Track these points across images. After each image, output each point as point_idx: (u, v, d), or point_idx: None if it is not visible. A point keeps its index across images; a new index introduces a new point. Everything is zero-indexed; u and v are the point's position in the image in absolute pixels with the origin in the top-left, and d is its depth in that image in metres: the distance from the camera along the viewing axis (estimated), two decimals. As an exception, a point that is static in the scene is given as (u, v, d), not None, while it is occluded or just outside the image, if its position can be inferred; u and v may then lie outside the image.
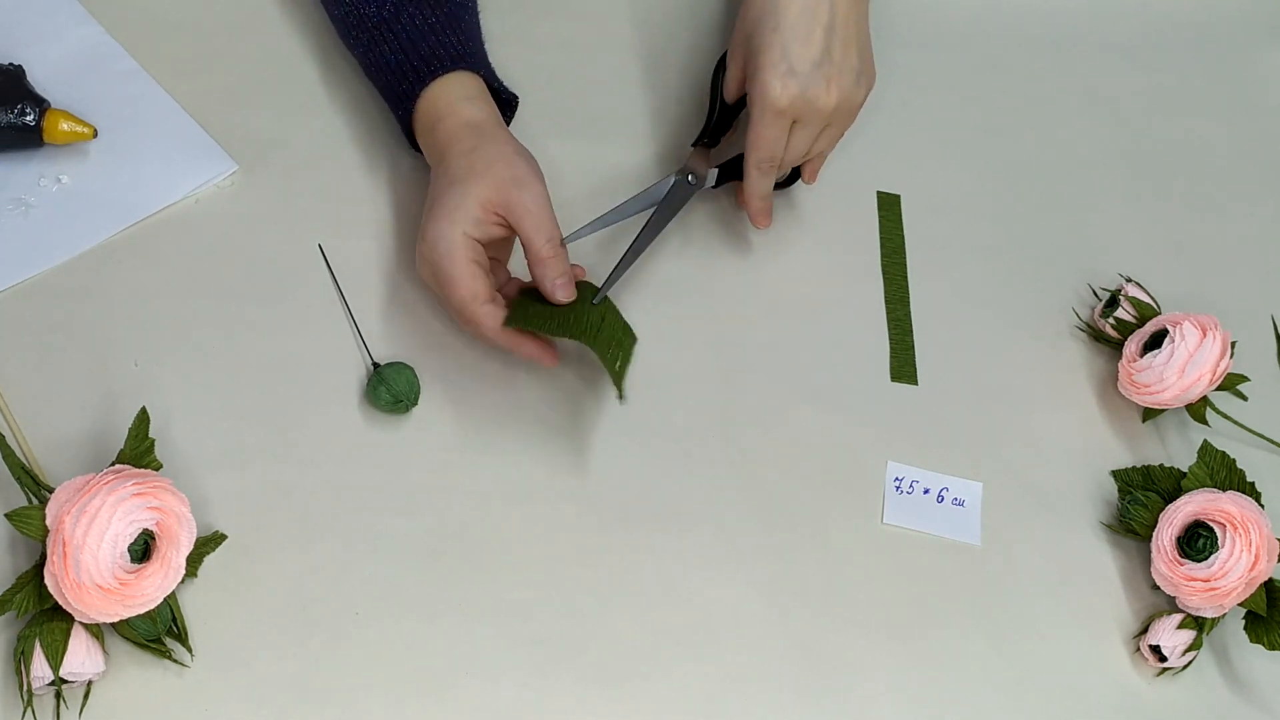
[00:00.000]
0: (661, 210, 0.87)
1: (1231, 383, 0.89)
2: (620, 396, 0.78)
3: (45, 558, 0.69)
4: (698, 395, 0.86)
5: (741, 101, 0.89)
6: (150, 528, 0.70)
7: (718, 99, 0.91)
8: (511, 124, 0.89)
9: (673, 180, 0.88)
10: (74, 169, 0.86)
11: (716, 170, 0.90)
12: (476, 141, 0.81)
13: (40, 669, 0.68)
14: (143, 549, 0.70)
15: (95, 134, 0.85)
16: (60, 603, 0.68)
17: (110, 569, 0.68)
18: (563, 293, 0.79)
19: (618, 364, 0.79)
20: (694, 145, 0.91)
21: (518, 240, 0.80)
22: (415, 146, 0.87)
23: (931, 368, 0.91)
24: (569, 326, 0.79)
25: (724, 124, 0.91)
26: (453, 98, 0.84)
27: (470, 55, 0.86)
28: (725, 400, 0.86)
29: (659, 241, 0.88)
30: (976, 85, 1.06)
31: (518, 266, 0.83)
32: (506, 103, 0.89)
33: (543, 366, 0.82)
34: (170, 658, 0.71)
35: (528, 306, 0.80)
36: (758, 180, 0.87)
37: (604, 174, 0.93)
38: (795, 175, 0.92)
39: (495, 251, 0.83)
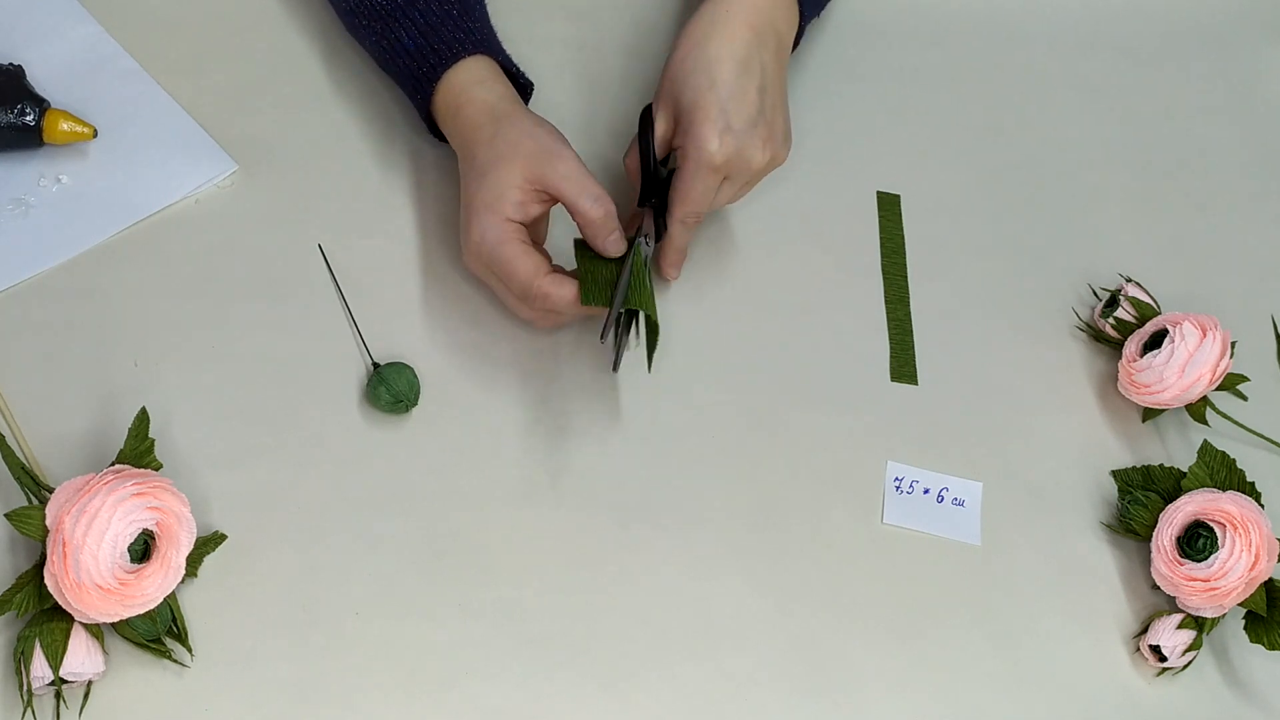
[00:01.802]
0: (635, 277, 0.82)
1: (1231, 383, 0.89)
2: (649, 367, 0.79)
3: (45, 558, 0.69)
4: (698, 395, 0.86)
5: (669, 156, 0.87)
6: (150, 528, 0.70)
7: (650, 156, 0.86)
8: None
9: (631, 248, 0.83)
10: (74, 169, 0.86)
11: (654, 227, 0.87)
12: (496, 127, 0.82)
13: (40, 669, 0.68)
14: (143, 549, 0.70)
15: (95, 134, 0.85)
16: (60, 603, 0.68)
17: (110, 569, 0.68)
18: (615, 247, 0.80)
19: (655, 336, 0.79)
20: (640, 206, 0.87)
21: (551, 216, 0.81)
22: (434, 133, 0.87)
23: (931, 368, 0.91)
24: (634, 297, 0.79)
25: (661, 180, 0.87)
26: (471, 81, 0.84)
27: (486, 41, 0.86)
28: (725, 400, 0.86)
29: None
30: (976, 85, 1.06)
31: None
32: (523, 89, 0.89)
33: (543, 365, 0.82)
34: (170, 658, 0.71)
35: (593, 277, 0.80)
36: (680, 234, 0.86)
37: (604, 174, 0.93)
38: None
39: (533, 231, 0.83)
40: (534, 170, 0.80)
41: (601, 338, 0.78)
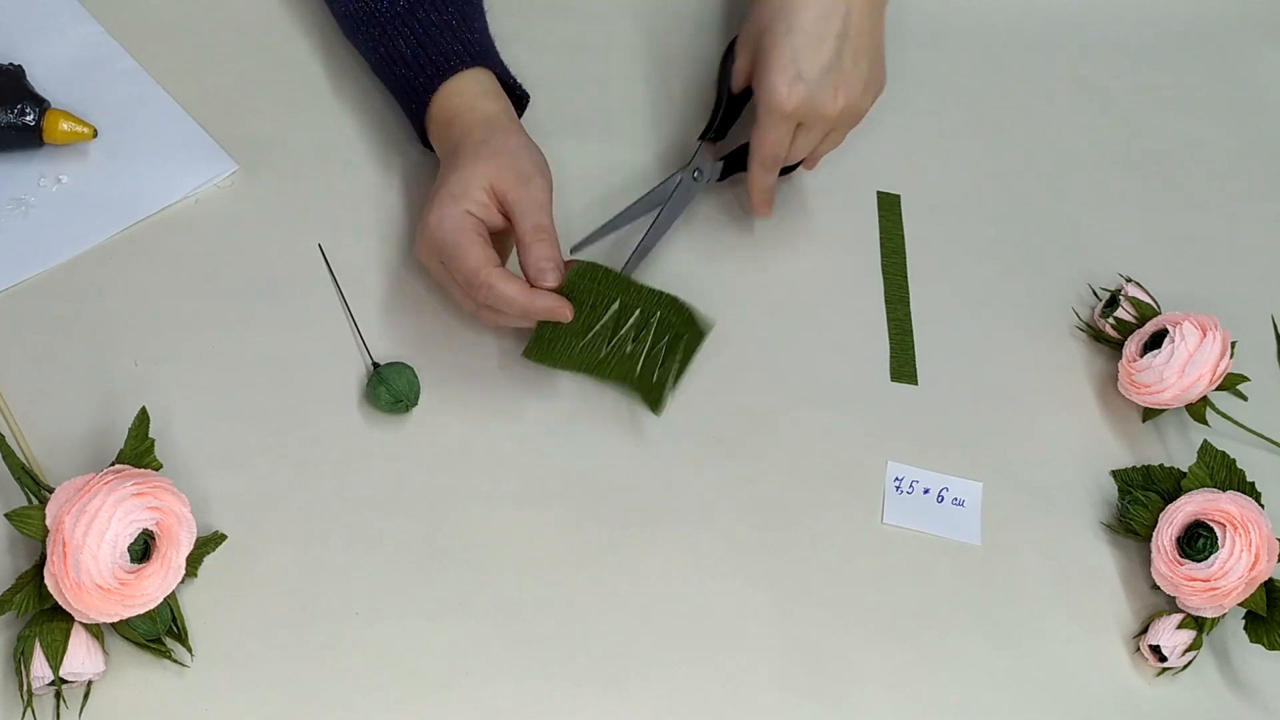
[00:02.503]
0: (669, 208, 0.87)
1: (1231, 383, 0.89)
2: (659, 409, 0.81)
3: (45, 558, 0.69)
4: (698, 395, 0.86)
5: (747, 93, 0.89)
6: (150, 528, 0.70)
7: (724, 92, 0.90)
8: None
9: (679, 178, 0.88)
10: (74, 169, 0.86)
11: (721, 163, 0.91)
12: (488, 134, 0.81)
13: (40, 669, 0.68)
14: (143, 549, 0.70)
15: (95, 134, 0.85)
16: (60, 603, 0.68)
17: (110, 569, 0.68)
18: (550, 277, 0.77)
19: (672, 374, 0.80)
20: (700, 139, 0.91)
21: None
22: (425, 143, 0.87)
23: (931, 368, 0.91)
24: (595, 366, 0.80)
25: (730, 117, 0.91)
26: (470, 93, 0.84)
27: (485, 52, 0.86)
28: (725, 400, 0.86)
29: (662, 241, 0.88)
30: (976, 85, 1.06)
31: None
32: (519, 100, 0.89)
33: (541, 365, 0.82)
34: (170, 658, 0.71)
35: (550, 341, 0.80)
36: (761, 177, 0.87)
37: (608, 173, 0.93)
38: (797, 163, 0.92)
39: (496, 244, 0.82)
40: (500, 183, 0.79)
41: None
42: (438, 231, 0.79)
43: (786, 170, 0.93)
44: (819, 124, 0.84)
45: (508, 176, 0.79)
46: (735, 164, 0.91)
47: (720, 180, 0.91)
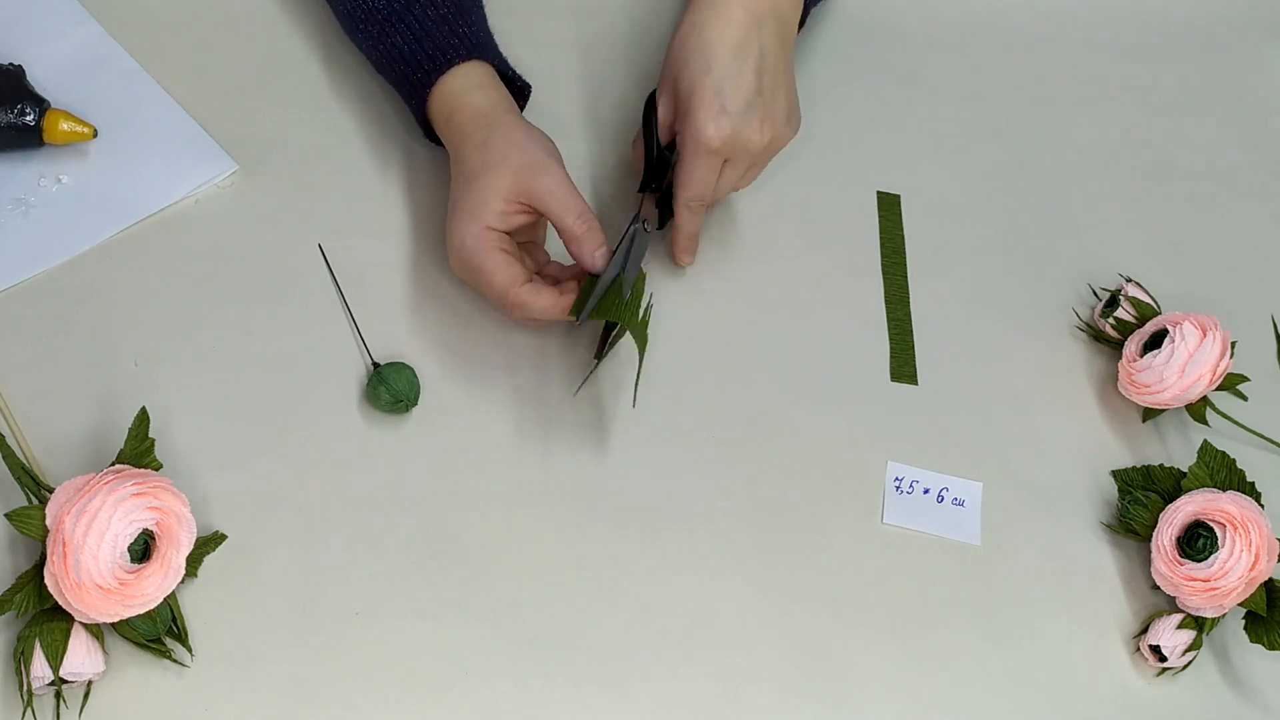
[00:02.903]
0: (630, 265, 0.83)
1: (1231, 383, 0.89)
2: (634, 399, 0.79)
3: (45, 558, 0.69)
4: (698, 395, 0.86)
5: (674, 143, 0.88)
6: (150, 528, 0.70)
7: (654, 144, 0.87)
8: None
9: (632, 231, 0.84)
10: (74, 169, 0.86)
11: (657, 212, 0.89)
12: (488, 134, 0.82)
13: (40, 669, 0.68)
14: (143, 549, 0.70)
15: (95, 134, 0.85)
16: (60, 603, 0.68)
17: (110, 569, 0.68)
18: (599, 261, 0.80)
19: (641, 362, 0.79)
20: (640, 192, 0.89)
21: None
22: (430, 137, 0.88)
23: (931, 368, 0.91)
24: (618, 312, 0.79)
25: (663, 166, 0.88)
26: (464, 87, 0.84)
27: (482, 45, 0.86)
28: (725, 400, 0.86)
29: (659, 245, 0.89)
30: (976, 85, 1.06)
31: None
32: (520, 91, 0.89)
33: (543, 365, 0.83)
34: (170, 658, 0.71)
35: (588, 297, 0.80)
36: (687, 219, 0.86)
37: (605, 174, 0.93)
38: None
39: (526, 235, 0.84)
40: (519, 183, 0.80)
41: (596, 357, 0.78)
42: (462, 253, 0.81)
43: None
44: (743, 158, 0.84)
45: (524, 175, 0.80)
46: (667, 209, 0.88)
47: (660, 229, 0.89)
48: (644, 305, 0.81)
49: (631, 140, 0.89)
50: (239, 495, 0.77)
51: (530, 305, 0.80)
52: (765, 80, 0.83)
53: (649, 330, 0.81)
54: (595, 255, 0.80)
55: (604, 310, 0.79)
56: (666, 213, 0.88)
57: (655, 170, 0.87)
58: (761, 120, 0.83)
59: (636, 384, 0.78)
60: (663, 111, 0.85)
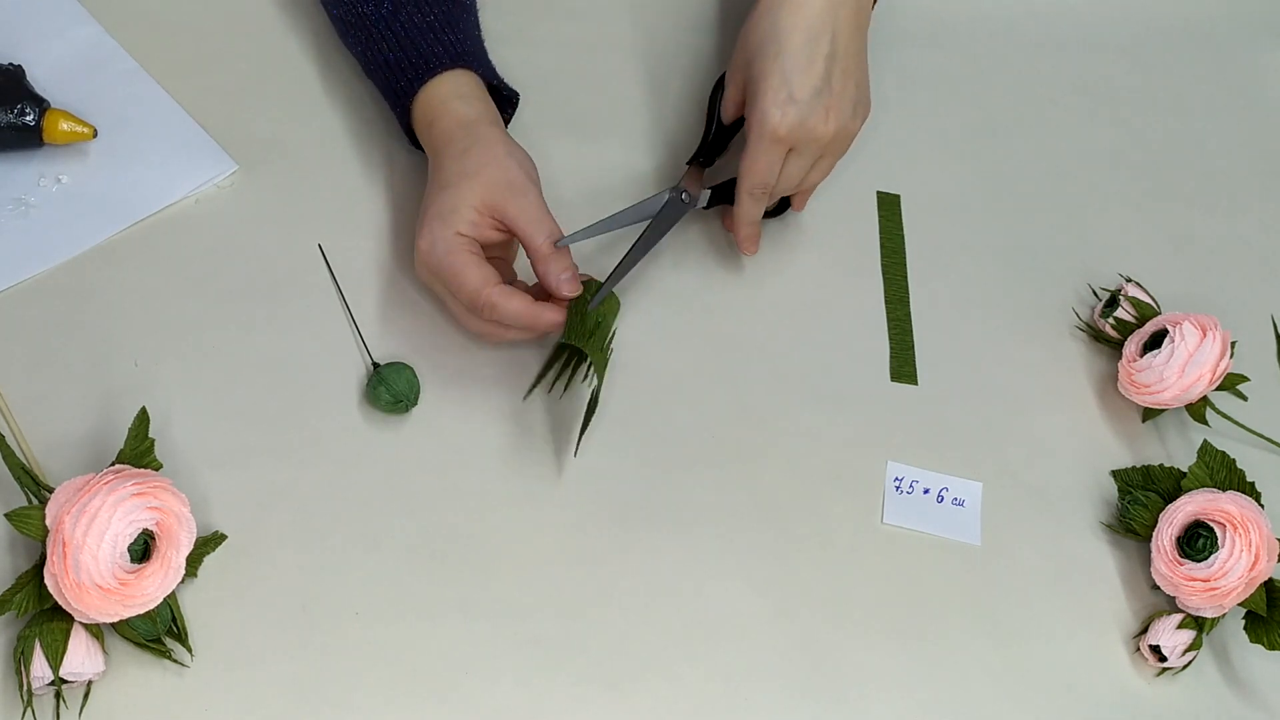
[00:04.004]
0: (654, 226, 0.85)
1: (1231, 383, 0.89)
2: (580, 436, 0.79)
3: (45, 558, 0.69)
4: (698, 395, 0.86)
5: (738, 123, 0.89)
6: (150, 528, 0.70)
7: (715, 119, 0.90)
8: (512, 123, 0.90)
9: (666, 197, 0.87)
10: (74, 169, 0.86)
11: (709, 191, 0.89)
12: (469, 143, 0.81)
13: (40, 669, 0.68)
14: (143, 549, 0.70)
15: (95, 134, 0.85)
16: (60, 603, 0.68)
17: (110, 569, 0.68)
18: (568, 288, 0.79)
19: (597, 381, 0.79)
20: (689, 164, 0.90)
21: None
22: (415, 145, 0.87)
23: (931, 368, 0.91)
24: (575, 334, 0.79)
25: (719, 144, 0.90)
26: (447, 96, 0.84)
27: (467, 54, 0.86)
28: (725, 400, 0.86)
29: (658, 247, 0.88)
30: (976, 85, 1.06)
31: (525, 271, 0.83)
32: (507, 100, 0.89)
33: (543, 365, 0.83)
34: (170, 658, 0.71)
35: (579, 319, 0.80)
36: (749, 206, 0.86)
37: (602, 173, 0.93)
38: (785, 204, 0.92)
39: (497, 253, 0.83)
40: (492, 198, 0.79)
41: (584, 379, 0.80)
42: (431, 256, 0.79)
43: (774, 213, 0.92)
44: (810, 148, 0.83)
45: (499, 191, 0.79)
46: (723, 196, 0.89)
47: (706, 209, 0.90)
48: (610, 335, 0.81)
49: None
50: (239, 495, 0.77)
51: (500, 306, 0.77)
52: (836, 68, 0.82)
53: (610, 358, 0.82)
54: (561, 279, 0.79)
55: (570, 333, 0.79)
56: (718, 197, 0.89)
57: (710, 146, 0.87)
58: (827, 110, 0.82)
59: (583, 431, 0.78)
60: (731, 90, 0.86)
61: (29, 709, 0.68)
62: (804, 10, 0.82)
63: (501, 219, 0.79)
